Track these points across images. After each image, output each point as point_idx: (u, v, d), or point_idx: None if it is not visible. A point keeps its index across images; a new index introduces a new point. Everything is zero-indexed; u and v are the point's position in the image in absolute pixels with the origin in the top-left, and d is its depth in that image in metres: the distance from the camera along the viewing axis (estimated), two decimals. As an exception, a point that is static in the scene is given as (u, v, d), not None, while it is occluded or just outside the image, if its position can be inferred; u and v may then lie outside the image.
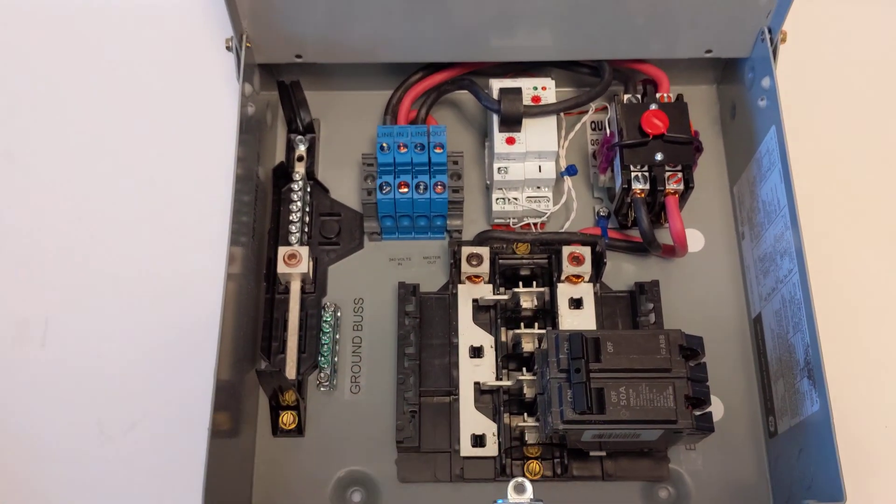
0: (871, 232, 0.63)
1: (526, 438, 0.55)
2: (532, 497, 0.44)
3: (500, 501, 0.44)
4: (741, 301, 0.60)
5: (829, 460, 0.46)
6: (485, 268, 0.59)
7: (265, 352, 0.58)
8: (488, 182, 0.63)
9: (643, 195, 0.57)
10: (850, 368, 0.56)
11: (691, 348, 0.50)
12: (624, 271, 0.61)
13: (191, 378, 0.58)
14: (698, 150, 0.57)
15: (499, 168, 0.59)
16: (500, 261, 0.60)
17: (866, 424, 0.57)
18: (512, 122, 0.57)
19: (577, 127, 0.63)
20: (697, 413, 0.49)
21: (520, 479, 0.46)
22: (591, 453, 0.55)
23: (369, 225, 0.61)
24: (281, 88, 0.60)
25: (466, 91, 0.63)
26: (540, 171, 0.59)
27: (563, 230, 0.61)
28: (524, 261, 0.60)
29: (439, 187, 0.58)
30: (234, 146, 0.55)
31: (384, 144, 0.58)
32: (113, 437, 0.58)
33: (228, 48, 0.57)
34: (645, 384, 0.49)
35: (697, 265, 0.62)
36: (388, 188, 0.58)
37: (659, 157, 0.56)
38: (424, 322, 0.59)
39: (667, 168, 0.56)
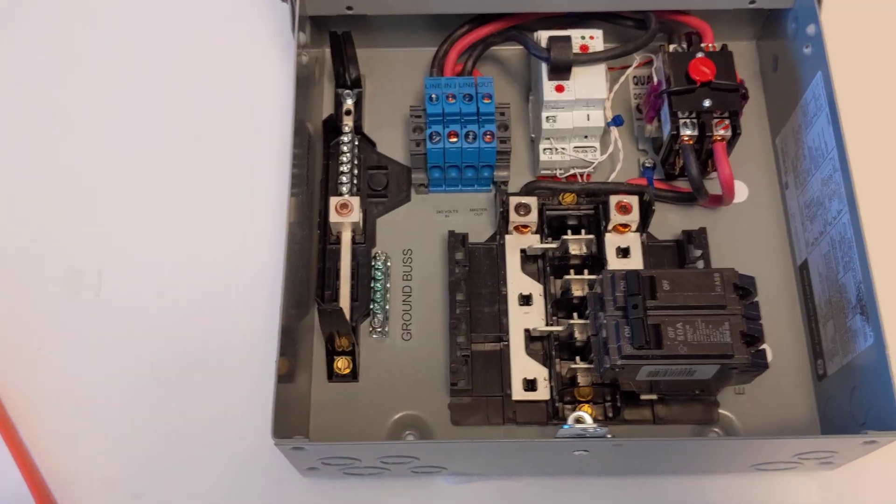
0: None
1: (578, 381, 0.56)
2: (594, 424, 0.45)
3: (565, 426, 0.45)
4: (786, 249, 0.61)
5: (885, 391, 0.47)
6: (532, 217, 0.59)
7: (320, 297, 0.59)
8: (533, 136, 0.63)
9: (692, 142, 0.57)
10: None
11: (744, 287, 0.51)
12: (669, 222, 0.62)
13: (244, 323, 0.59)
14: (744, 98, 0.58)
15: (547, 117, 0.60)
16: (548, 212, 0.60)
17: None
18: (561, 70, 0.58)
19: (621, 80, 0.64)
20: (752, 350, 0.50)
21: (579, 413, 0.47)
22: (643, 396, 0.55)
23: (417, 177, 0.62)
24: (333, 40, 0.61)
25: (510, 46, 0.63)
26: (588, 119, 0.59)
27: (609, 181, 0.62)
28: (571, 211, 0.60)
29: (488, 136, 0.59)
30: (292, 96, 0.56)
31: (433, 95, 0.59)
32: (167, 379, 0.59)
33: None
34: (701, 320, 0.49)
35: (742, 216, 0.62)
36: (439, 138, 0.59)
37: (707, 103, 0.57)
38: (473, 272, 0.60)
39: (714, 115, 0.57)
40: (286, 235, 0.52)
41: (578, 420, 0.47)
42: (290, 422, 0.52)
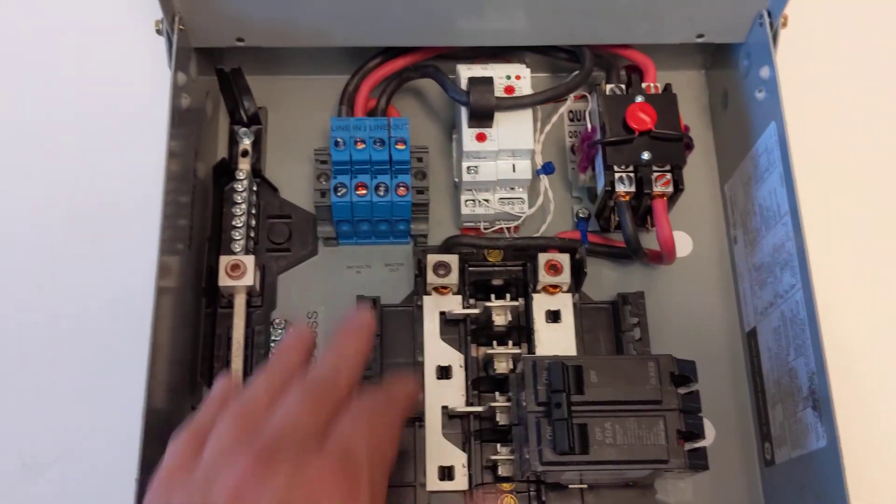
0: (886, 244, 0.57)
1: (499, 472, 0.50)
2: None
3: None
4: (733, 312, 0.55)
5: (838, 501, 0.41)
6: (453, 278, 0.53)
7: (207, 374, 0.52)
8: (457, 180, 0.56)
9: (628, 198, 0.51)
10: (858, 399, 0.51)
11: (683, 375, 0.45)
12: (605, 278, 0.56)
13: (124, 405, 0.52)
14: (689, 148, 0.52)
15: (468, 167, 0.53)
16: (470, 269, 0.54)
17: (875, 461, 0.52)
18: (482, 117, 0.51)
19: (555, 119, 0.57)
20: (690, 448, 0.44)
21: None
22: (571, 486, 0.50)
23: (323, 229, 0.55)
24: (220, 77, 0.53)
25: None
26: (514, 170, 0.53)
27: (538, 235, 0.56)
28: (497, 269, 0.54)
29: (402, 189, 0.52)
30: (165, 140, 0.48)
31: (339, 140, 0.52)
32: (37, 468, 0.52)
33: (158, 31, 0.50)
34: (633, 419, 0.43)
35: (685, 271, 0.56)
36: (344, 190, 0.52)
37: (646, 156, 0.50)
38: (386, 339, 0.53)
39: (654, 168, 0.51)
40: (153, 303, 0.45)
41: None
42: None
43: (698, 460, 0.44)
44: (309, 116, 0.59)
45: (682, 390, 0.45)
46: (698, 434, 0.44)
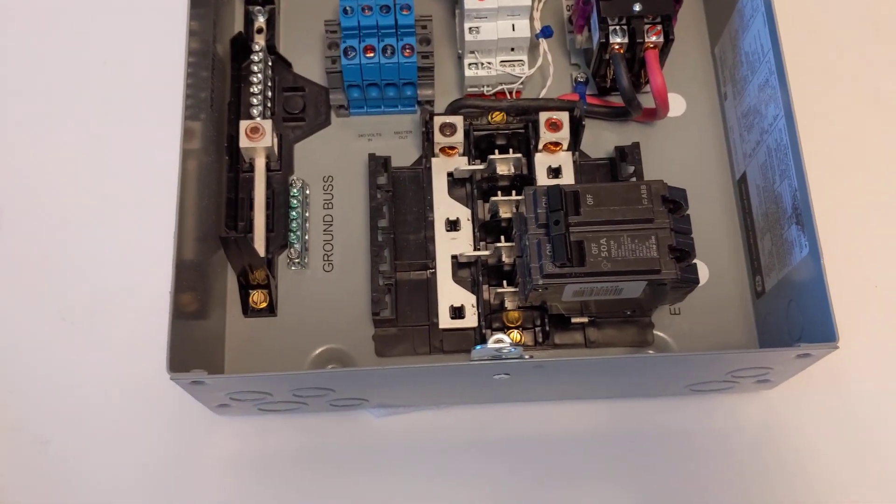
0: (856, 73, 0.60)
1: (507, 306, 0.53)
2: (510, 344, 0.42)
3: (477, 347, 0.42)
4: (724, 163, 0.58)
5: (820, 302, 0.45)
6: (459, 138, 0.56)
7: (229, 231, 0.55)
8: (460, 51, 0.60)
9: (622, 50, 0.54)
10: (838, 221, 0.54)
11: (674, 200, 0.48)
12: (603, 139, 0.59)
13: (151, 258, 0.56)
14: (678, 1, 0.54)
15: (470, 28, 0.56)
16: (475, 132, 0.57)
17: (856, 284, 0.55)
18: (482, -24, 0.54)
19: (552, -12, 0.60)
20: (683, 265, 0.47)
21: (499, 335, 0.44)
22: (574, 320, 0.53)
23: (335, 97, 0.58)
24: (235, -49, 0.57)
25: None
26: (514, 29, 0.56)
27: (539, 97, 0.59)
28: (500, 130, 0.57)
29: (408, 51, 0.55)
30: (186, 18, 0.52)
31: (347, 8, 0.55)
32: (75, 321, 0.56)
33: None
34: (627, 235, 0.47)
35: (679, 129, 0.59)
36: (354, 53, 0.55)
37: (637, 7, 0.53)
38: (398, 198, 0.57)
39: (646, 20, 0.54)
40: (178, 163, 0.48)
41: (499, 341, 0.44)
42: (198, 358, 0.48)
43: (690, 274, 0.47)
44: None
45: (674, 215, 0.48)
46: (689, 252, 0.47)
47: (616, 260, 0.46)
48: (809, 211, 0.46)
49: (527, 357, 0.43)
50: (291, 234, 0.55)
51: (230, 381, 0.46)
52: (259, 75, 0.58)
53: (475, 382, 0.49)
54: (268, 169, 0.57)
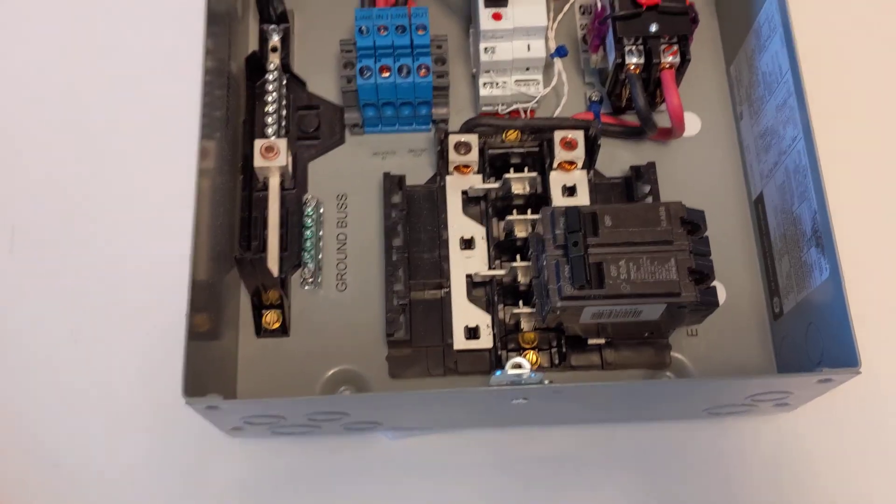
0: (876, 94, 0.60)
1: (522, 327, 0.53)
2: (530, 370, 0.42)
3: (497, 372, 0.42)
4: (741, 184, 0.58)
5: (841, 326, 0.44)
6: (473, 156, 0.56)
7: (243, 251, 0.55)
8: (474, 71, 0.59)
9: (638, 70, 0.54)
10: (858, 243, 0.54)
11: (693, 221, 0.48)
12: (618, 158, 0.59)
13: (169, 283, 0.55)
14: (694, 22, 0.54)
15: (485, 48, 0.56)
16: (490, 150, 0.57)
17: (876, 306, 0.55)
18: (498, -4, 0.54)
19: (566, 8, 0.60)
20: (702, 287, 0.47)
21: (518, 359, 0.44)
22: (590, 341, 0.52)
23: (350, 116, 0.58)
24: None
25: (448, -26, 0.59)
26: (529, 49, 0.56)
27: (554, 116, 0.58)
28: (514, 148, 0.57)
29: (423, 70, 0.55)
30: (202, 37, 0.52)
31: (363, 27, 0.55)
32: (85, 342, 0.55)
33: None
34: (646, 257, 0.46)
35: (694, 149, 0.59)
36: (370, 73, 0.55)
37: (654, 27, 0.53)
38: (412, 216, 0.56)
39: (662, 40, 0.53)
40: (195, 183, 0.48)
41: (517, 366, 0.43)
42: (211, 380, 0.48)
43: (709, 297, 0.47)
44: (330, 18, 0.61)
45: (692, 236, 0.47)
46: (708, 275, 0.47)
47: (635, 282, 0.46)
48: (830, 234, 0.46)
49: (546, 383, 0.42)
50: (305, 254, 0.55)
51: (245, 405, 0.45)
52: (273, 94, 0.57)
53: (492, 406, 0.48)
54: (282, 188, 0.57)
